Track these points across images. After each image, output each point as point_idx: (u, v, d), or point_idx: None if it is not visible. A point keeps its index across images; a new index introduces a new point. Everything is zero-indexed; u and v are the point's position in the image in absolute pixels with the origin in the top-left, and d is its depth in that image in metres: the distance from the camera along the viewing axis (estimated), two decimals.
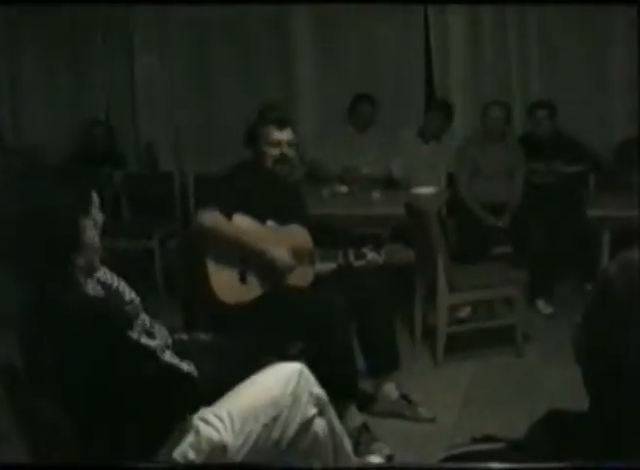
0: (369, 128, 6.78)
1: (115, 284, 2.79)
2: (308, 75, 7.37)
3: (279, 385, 2.88)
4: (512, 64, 7.01)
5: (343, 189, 6.23)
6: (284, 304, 4.03)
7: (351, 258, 4.16)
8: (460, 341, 5.12)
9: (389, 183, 6.53)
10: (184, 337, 3.27)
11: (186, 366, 2.74)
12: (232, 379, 2.95)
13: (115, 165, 7.05)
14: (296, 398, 2.89)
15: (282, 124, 4.18)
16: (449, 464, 1.66)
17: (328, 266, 4.25)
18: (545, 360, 5.08)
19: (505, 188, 6.24)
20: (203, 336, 3.41)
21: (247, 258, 4.06)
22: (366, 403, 4.25)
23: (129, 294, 2.83)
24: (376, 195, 5.96)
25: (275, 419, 2.82)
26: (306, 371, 3.00)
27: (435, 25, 7.09)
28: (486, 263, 5.54)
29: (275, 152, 4.16)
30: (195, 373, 2.76)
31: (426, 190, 6.16)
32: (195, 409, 2.74)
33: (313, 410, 2.96)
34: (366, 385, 4.33)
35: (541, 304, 5.96)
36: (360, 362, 4.25)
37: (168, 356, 2.69)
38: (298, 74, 7.37)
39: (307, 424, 2.94)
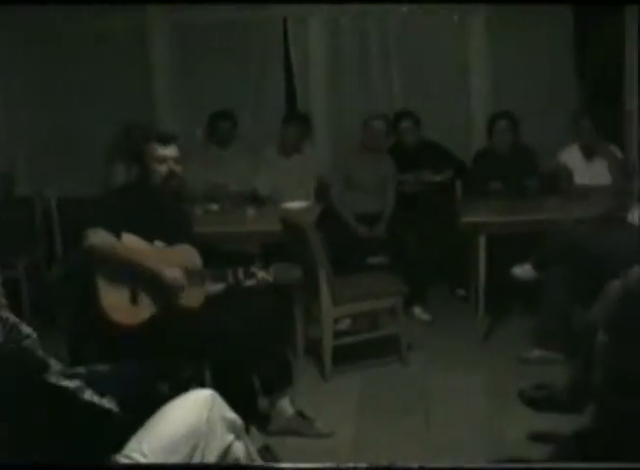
0: (231, 145, 6.70)
1: (11, 318, 2.66)
2: (167, 93, 7.26)
3: (194, 414, 2.79)
4: (374, 74, 7.11)
5: (215, 207, 6.15)
6: (176, 325, 3.94)
7: (241, 277, 4.10)
8: (343, 353, 5.10)
9: (258, 200, 6.48)
10: (81, 370, 3.13)
11: (107, 403, 2.63)
12: (136, 409, 2.85)
13: None
14: (211, 425, 2.81)
15: (166, 141, 4.10)
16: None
17: (217, 286, 4.17)
18: (429, 367, 5.15)
19: (378, 199, 6.29)
20: (100, 367, 3.27)
21: (137, 278, 3.95)
22: (262, 423, 4.19)
23: (25, 328, 2.69)
24: (250, 211, 5.91)
25: (194, 449, 2.73)
26: (218, 397, 2.93)
27: (295, 38, 7.10)
28: (366, 274, 5.56)
29: (163, 169, 4.08)
30: (116, 409, 2.64)
31: (297, 204, 6.16)
32: (120, 445, 2.63)
33: (230, 436, 2.89)
34: (260, 403, 4.27)
35: (418, 311, 6.04)
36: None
37: (89, 395, 2.57)
38: (157, 93, 7.25)
39: (227, 450, 2.87)
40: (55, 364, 2.71)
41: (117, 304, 3.91)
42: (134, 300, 3.96)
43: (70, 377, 2.58)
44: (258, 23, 7.10)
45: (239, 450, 2.93)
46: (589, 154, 6.16)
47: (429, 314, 6.04)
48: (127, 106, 7.07)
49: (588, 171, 6.13)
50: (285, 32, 7.14)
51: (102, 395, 2.76)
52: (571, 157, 6.22)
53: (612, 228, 5.07)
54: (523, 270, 5.25)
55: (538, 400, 4.32)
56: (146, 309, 3.98)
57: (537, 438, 4.02)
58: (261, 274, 4.09)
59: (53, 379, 2.46)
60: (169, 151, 4.11)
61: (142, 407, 2.88)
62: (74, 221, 4.24)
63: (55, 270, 4.63)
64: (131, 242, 3.97)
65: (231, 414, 2.95)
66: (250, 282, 4.09)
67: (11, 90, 7.18)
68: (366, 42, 7.11)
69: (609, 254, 4.77)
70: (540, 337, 5.13)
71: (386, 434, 4.23)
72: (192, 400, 2.87)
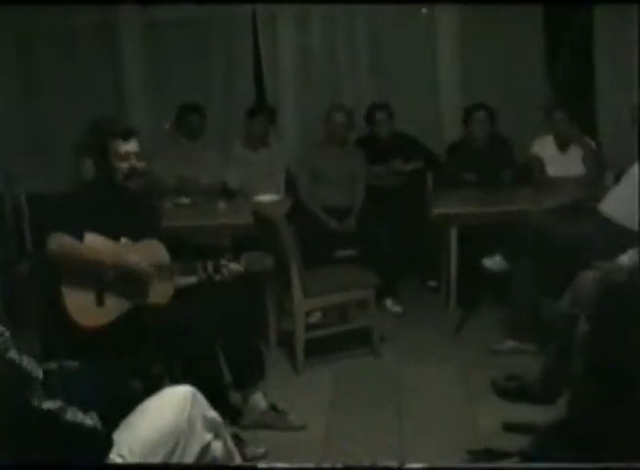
0: (200, 138, 6.66)
1: None
2: (137, 89, 7.21)
3: (174, 412, 2.76)
4: (342, 69, 7.10)
5: (185, 200, 6.11)
6: (144, 323, 3.90)
7: (210, 269, 4.06)
8: (315, 346, 5.09)
9: (229, 193, 6.44)
10: (53, 366, 3.08)
11: (89, 421, 2.58)
12: (107, 406, 2.82)
13: None
14: (191, 424, 2.78)
15: (127, 136, 4.04)
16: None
17: (187, 280, 4.13)
18: (401, 359, 5.15)
19: (348, 192, 6.28)
20: (71, 363, 3.23)
21: (103, 279, 3.91)
22: (235, 416, 4.16)
23: None
24: (222, 205, 5.88)
25: (173, 450, 2.71)
26: (198, 394, 2.90)
27: (264, 33, 7.07)
28: (337, 267, 5.54)
29: (124, 165, 4.01)
30: (99, 425, 2.60)
31: (268, 197, 6.14)
32: (103, 459, 2.60)
33: (209, 435, 2.87)
34: (233, 397, 4.24)
35: (389, 303, 6.04)
36: (226, 374, 4.16)
37: (70, 415, 2.52)
38: (127, 88, 7.20)
39: (205, 449, 2.84)
40: (27, 362, 2.67)
41: (83, 307, 3.86)
42: (100, 302, 3.92)
43: (52, 397, 2.53)
44: (227, 19, 7.06)
45: (217, 449, 2.90)
46: (563, 145, 6.17)
47: (400, 306, 6.04)
48: (96, 102, 7.01)
49: (561, 162, 6.14)
50: (254, 28, 7.09)
51: (74, 392, 2.72)
52: (545, 148, 6.23)
53: (582, 219, 5.08)
54: (493, 262, 5.25)
55: (511, 391, 4.33)
56: (113, 310, 3.93)
57: (511, 428, 4.03)
58: (232, 266, 4.05)
59: (35, 402, 2.41)
60: (131, 146, 4.03)
61: (115, 405, 2.86)
62: (41, 219, 4.19)
63: (23, 268, 4.59)
64: (94, 242, 3.91)
65: (211, 412, 2.93)
66: (221, 274, 4.05)
67: None
68: (335, 37, 7.09)
69: (578, 244, 4.79)
70: (511, 328, 5.15)
71: (359, 426, 4.22)
72: (171, 398, 2.83)
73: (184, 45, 7.15)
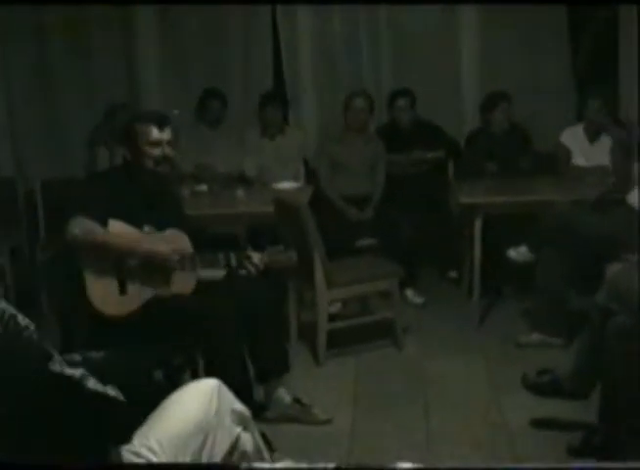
0: (220, 125, 6.57)
1: (7, 310, 2.51)
2: (153, 75, 7.08)
3: (202, 406, 2.67)
4: (363, 56, 6.99)
5: (203, 188, 6.00)
6: (167, 313, 3.81)
7: (233, 262, 3.96)
8: (335, 337, 4.98)
9: (246, 181, 6.34)
10: (77, 357, 2.99)
11: (111, 391, 2.50)
12: (133, 397, 2.73)
13: None
14: (220, 417, 2.69)
15: (162, 123, 3.92)
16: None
17: (215, 273, 4.02)
18: (425, 352, 5.05)
19: (367, 180, 6.17)
20: (94, 354, 3.14)
21: (125, 268, 3.81)
22: (258, 410, 4.06)
23: (22, 319, 2.55)
24: (240, 193, 5.75)
25: (203, 444, 2.62)
26: (224, 387, 2.80)
27: (283, 17, 6.96)
28: (360, 257, 5.45)
29: (157, 152, 3.90)
30: (121, 397, 2.51)
31: (288, 185, 6.04)
32: (124, 434, 2.50)
33: (238, 429, 2.78)
34: (256, 391, 4.14)
35: (410, 294, 5.94)
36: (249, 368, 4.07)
37: (92, 384, 2.43)
38: (143, 74, 7.07)
39: (235, 443, 2.75)
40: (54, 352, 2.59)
41: (105, 295, 3.77)
42: (123, 290, 3.82)
43: (74, 365, 2.45)
44: (245, 4, 6.93)
45: (247, 443, 2.82)
46: (594, 135, 6.04)
47: (421, 297, 5.94)
48: (112, 89, 6.89)
49: (590, 153, 6.01)
50: (273, 13, 6.97)
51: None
52: (575, 138, 6.08)
53: (609, 210, 4.98)
54: (518, 253, 5.15)
55: (543, 386, 4.22)
56: (136, 299, 3.84)
57: (540, 424, 3.94)
58: (257, 258, 3.94)
59: (57, 367, 2.32)
60: (165, 134, 3.92)
61: (138, 395, 2.78)
62: (59, 206, 4.07)
63: (39, 256, 4.50)
64: (118, 229, 3.82)
65: (238, 405, 2.84)
66: (245, 267, 3.94)
67: None
68: (355, 23, 6.97)
69: (606, 236, 4.69)
70: (537, 321, 5.06)
71: (384, 420, 4.13)
72: (198, 391, 2.74)
73: (201, 31, 7.04)
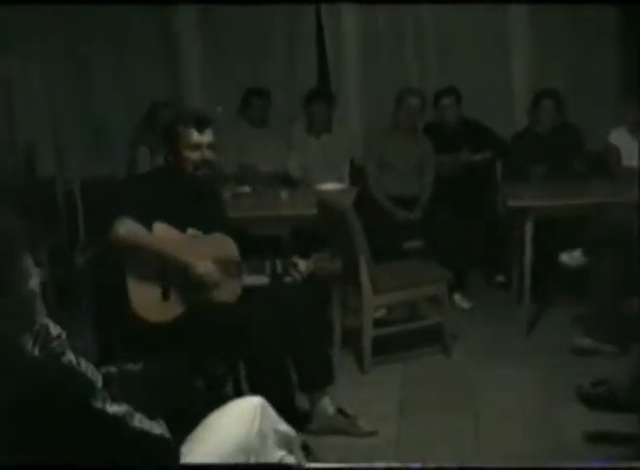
0: (264, 123, 6.47)
1: (40, 318, 2.41)
2: (196, 75, 7.02)
3: (244, 426, 2.54)
4: (409, 54, 6.86)
5: (246, 189, 5.89)
6: (209, 319, 3.70)
7: (279, 268, 3.84)
8: (381, 343, 4.85)
9: (290, 181, 6.23)
10: (112, 370, 2.89)
11: (157, 428, 2.36)
12: (171, 407, 2.62)
13: None
14: (262, 438, 2.56)
15: (203, 126, 3.81)
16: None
17: (260, 279, 3.91)
18: (473, 358, 4.91)
19: (415, 181, 6.04)
20: (132, 366, 3.04)
21: (169, 273, 3.71)
22: (302, 422, 3.94)
23: (54, 327, 2.45)
24: (284, 194, 5.62)
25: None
26: (268, 406, 2.67)
27: (328, 15, 6.84)
28: (407, 261, 5.31)
29: (196, 156, 3.79)
30: (167, 434, 2.39)
31: (332, 185, 5.91)
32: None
33: (282, 452, 2.65)
34: (299, 402, 4.01)
35: (458, 298, 5.80)
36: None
37: (138, 421, 2.30)
38: (185, 74, 7.00)
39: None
40: (85, 366, 2.48)
41: (148, 301, 3.67)
42: (166, 296, 3.72)
43: (116, 401, 2.31)
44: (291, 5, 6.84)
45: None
46: (638, 135, 5.87)
47: (469, 302, 5.79)
48: (153, 88, 6.82)
49: (636, 153, 5.84)
50: (317, 10, 6.86)
51: (136, 398, 2.53)
52: (622, 138, 5.92)
53: None
54: (570, 257, 4.99)
55: (598, 398, 4.06)
56: (178, 305, 3.73)
57: (593, 438, 3.78)
58: (303, 265, 3.82)
59: (99, 404, 2.19)
60: (205, 137, 3.81)
61: (179, 405, 2.69)
62: (98, 206, 3.98)
63: (79, 258, 4.39)
64: (163, 232, 3.71)
65: (283, 426, 2.70)
66: (292, 275, 3.82)
67: (35, 69, 6.93)
68: (401, 20, 6.84)
69: None
70: (590, 327, 4.88)
71: (432, 431, 4.00)
72: (240, 410, 2.62)
73: (244, 30, 6.92)
